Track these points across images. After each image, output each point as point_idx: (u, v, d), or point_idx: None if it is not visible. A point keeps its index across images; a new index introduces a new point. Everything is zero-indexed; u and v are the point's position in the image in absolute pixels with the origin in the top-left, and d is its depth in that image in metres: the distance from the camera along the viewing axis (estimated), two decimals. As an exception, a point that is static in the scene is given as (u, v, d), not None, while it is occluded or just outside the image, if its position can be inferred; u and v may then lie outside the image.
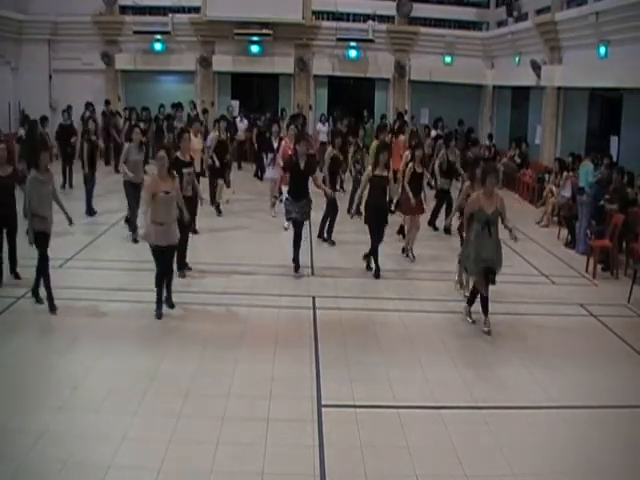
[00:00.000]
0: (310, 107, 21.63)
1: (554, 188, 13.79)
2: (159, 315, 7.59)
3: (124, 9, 20.89)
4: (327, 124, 19.72)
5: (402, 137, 14.29)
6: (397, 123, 17.27)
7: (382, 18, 21.24)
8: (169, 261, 7.87)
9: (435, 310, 8.40)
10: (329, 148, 12.43)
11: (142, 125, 15.66)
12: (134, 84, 21.35)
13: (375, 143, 12.52)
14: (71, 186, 15.00)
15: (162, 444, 5.09)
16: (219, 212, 13.09)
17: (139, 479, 4.71)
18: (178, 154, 9.23)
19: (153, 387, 6.06)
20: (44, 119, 15.89)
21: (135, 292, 7.49)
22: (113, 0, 20.59)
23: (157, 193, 7.54)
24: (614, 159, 13.33)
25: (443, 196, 12.48)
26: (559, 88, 16.76)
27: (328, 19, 21.09)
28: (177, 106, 18.28)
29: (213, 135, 13.08)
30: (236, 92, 21.79)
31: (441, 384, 6.36)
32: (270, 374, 6.37)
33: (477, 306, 7.85)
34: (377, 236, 9.49)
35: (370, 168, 9.67)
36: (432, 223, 12.62)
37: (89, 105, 19.24)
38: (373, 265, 9.67)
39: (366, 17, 21.02)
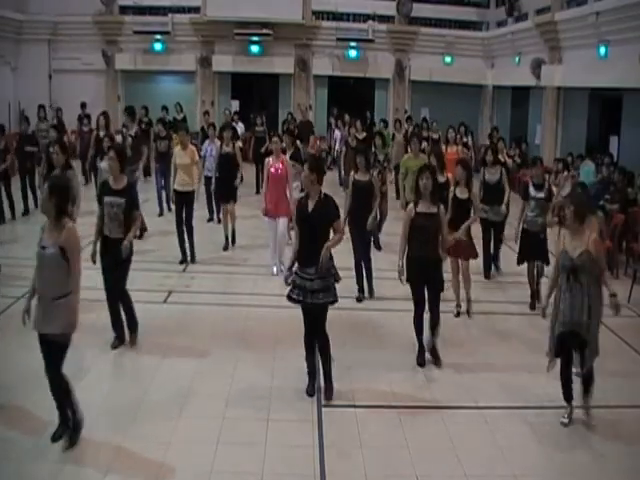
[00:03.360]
0: (310, 107, 21.64)
1: (554, 188, 13.77)
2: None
3: (124, 9, 20.91)
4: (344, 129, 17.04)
5: (455, 147, 12.28)
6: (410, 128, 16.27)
7: (382, 18, 21.27)
8: (52, 362, 4.92)
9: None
10: (351, 173, 8.84)
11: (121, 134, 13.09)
12: (134, 84, 21.35)
13: (417, 161, 9.84)
14: (27, 211, 12.61)
15: (162, 444, 5.09)
16: (228, 245, 10.72)
17: (139, 479, 4.72)
18: (109, 178, 6.83)
19: (153, 387, 6.06)
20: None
21: (135, 292, 7.46)
22: (111, 1, 20.63)
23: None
24: (614, 159, 13.36)
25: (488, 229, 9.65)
26: (559, 88, 16.77)
27: (328, 19, 21.13)
28: (127, 111, 13.51)
29: (213, 146, 11.30)
30: (236, 92, 21.81)
31: (441, 384, 6.36)
32: (270, 374, 6.36)
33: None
34: (434, 307, 6.63)
35: (412, 205, 6.70)
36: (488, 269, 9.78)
37: (40, 108, 15.94)
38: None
39: (366, 17, 21.07)
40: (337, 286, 5.96)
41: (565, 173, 13.41)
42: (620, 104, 14.34)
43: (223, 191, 10.75)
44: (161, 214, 12.74)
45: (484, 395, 6.18)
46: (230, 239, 10.82)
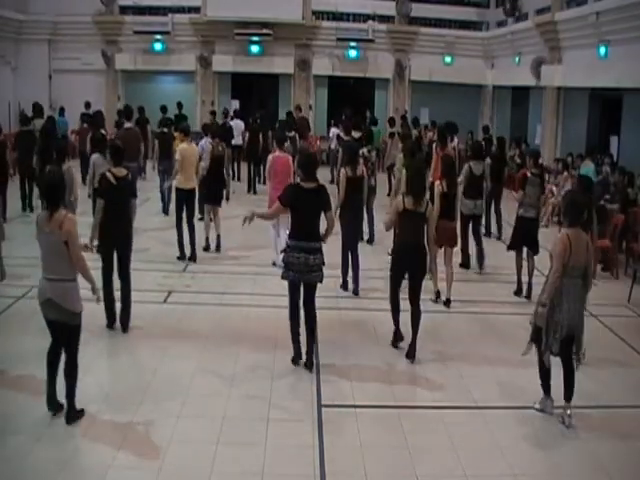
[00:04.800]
0: (310, 107, 21.63)
1: (554, 188, 13.79)
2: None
3: (124, 9, 20.94)
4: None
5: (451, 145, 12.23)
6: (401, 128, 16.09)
7: (382, 18, 21.29)
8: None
9: (435, 310, 8.37)
10: (342, 170, 9.00)
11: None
12: (134, 84, 21.37)
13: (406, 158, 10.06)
14: (31, 209, 12.42)
15: (162, 444, 5.09)
16: (208, 246, 10.50)
17: (139, 479, 4.72)
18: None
19: (153, 387, 6.06)
20: None
21: (135, 292, 7.47)
22: (111, 1, 20.64)
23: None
24: (614, 159, 13.38)
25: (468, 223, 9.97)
26: (559, 88, 16.78)
27: (328, 19, 21.15)
28: (124, 110, 13.16)
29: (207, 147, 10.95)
30: (236, 92, 21.81)
31: (441, 384, 6.36)
32: (270, 374, 6.37)
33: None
34: (413, 292, 6.87)
35: (400, 199, 6.95)
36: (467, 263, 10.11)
37: (37, 107, 15.34)
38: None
39: (366, 17, 21.10)
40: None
41: (565, 173, 13.45)
42: (620, 104, 14.36)
43: (210, 192, 10.73)
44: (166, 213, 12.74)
45: (484, 395, 6.18)
46: (215, 243, 10.56)
